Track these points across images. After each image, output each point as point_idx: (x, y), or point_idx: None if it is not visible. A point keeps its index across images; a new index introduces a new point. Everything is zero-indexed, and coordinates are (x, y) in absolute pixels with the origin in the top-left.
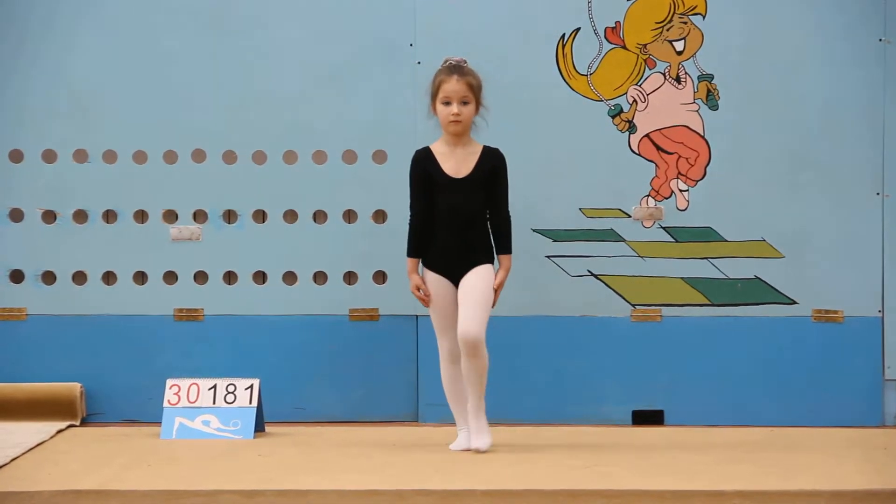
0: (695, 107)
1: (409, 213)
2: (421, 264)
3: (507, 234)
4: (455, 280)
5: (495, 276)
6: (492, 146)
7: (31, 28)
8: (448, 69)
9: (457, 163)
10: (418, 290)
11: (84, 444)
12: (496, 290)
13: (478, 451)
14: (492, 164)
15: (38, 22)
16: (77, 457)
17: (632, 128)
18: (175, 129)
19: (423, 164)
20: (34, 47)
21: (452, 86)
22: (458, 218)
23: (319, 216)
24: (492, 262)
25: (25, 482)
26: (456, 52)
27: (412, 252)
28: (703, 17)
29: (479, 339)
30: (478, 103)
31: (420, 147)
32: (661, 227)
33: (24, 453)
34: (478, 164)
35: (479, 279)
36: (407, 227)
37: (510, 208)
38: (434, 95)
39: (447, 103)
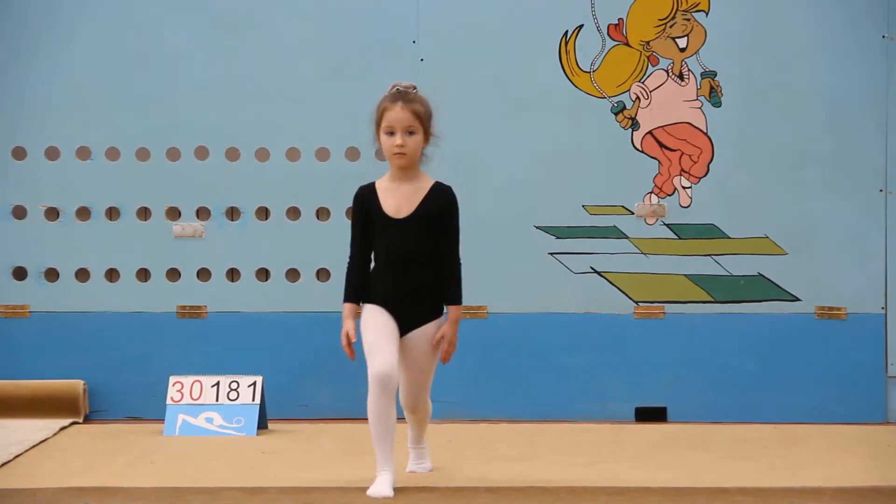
0: (698, 104)
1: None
2: (364, 304)
3: (456, 280)
4: (399, 324)
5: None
6: (444, 183)
7: (31, 23)
8: (392, 96)
9: (399, 201)
10: (347, 339)
11: (87, 441)
12: (444, 350)
13: (414, 473)
14: (438, 203)
15: (39, 17)
16: (80, 454)
17: (635, 125)
18: (178, 126)
19: (365, 200)
20: (35, 43)
21: (396, 114)
22: (399, 263)
23: (322, 213)
24: (440, 314)
25: (28, 479)
26: (459, 49)
27: (348, 296)
28: (706, 14)
29: (423, 404)
30: (427, 133)
31: (366, 183)
32: (665, 224)
33: (26, 450)
34: (422, 203)
35: (425, 348)
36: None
37: (513, 197)
38: (377, 124)
39: (391, 133)
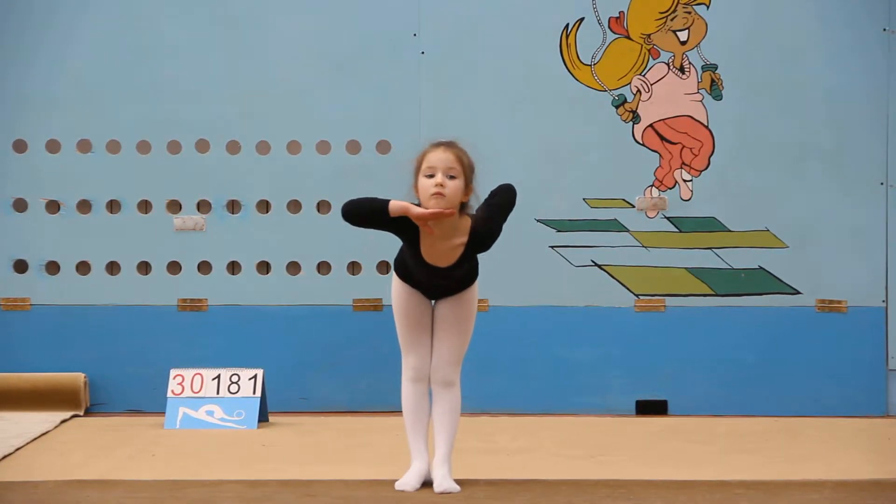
0: (699, 97)
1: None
2: (394, 273)
3: (489, 219)
4: (430, 295)
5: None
6: (474, 211)
7: (32, 17)
8: (434, 143)
9: (438, 253)
10: (425, 212)
11: (88, 434)
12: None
13: (445, 493)
14: (474, 241)
15: (40, 11)
16: (80, 447)
17: (636, 118)
18: (179, 119)
19: (410, 226)
20: (36, 36)
21: (437, 155)
22: (434, 271)
23: (323, 206)
24: (475, 279)
25: (29, 472)
26: (459, 42)
27: (385, 202)
28: (707, 7)
29: (454, 379)
30: (468, 183)
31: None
32: (665, 218)
33: (27, 443)
34: (465, 252)
35: (462, 311)
36: None
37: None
38: (417, 170)
39: (430, 176)
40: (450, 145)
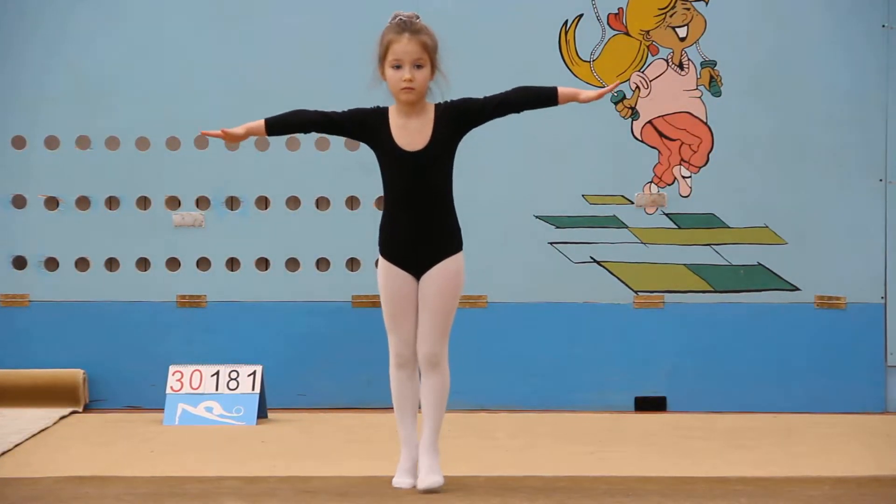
0: (697, 93)
1: None
2: (379, 255)
3: (526, 89)
4: (416, 273)
5: (578, 94)
6: (440, 102)
7: (28, 12)
8: (397, 27)
9: (411, 134)
10: (223, 131)
11: (87, 430)
12: (598, 96)
13: (428, 491)
14: (450, 117)
15: (36, 6)
16: (79, 443)
17: (634, 114)
18: (177, 115)
19: (374, 118)
20: (30, 31)
21: (403, 46)
22: (417, 199)
23: (322, 203)
24: (460, 248)
25: (28, 468)
26: (458, 38)
27: (269, 118)
28: (706, 3)
29: (440, 357)
30: (433, 66)
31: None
32: (664, 214)
33: (26, 439)
34: (434, 130)
35: (445, 285)
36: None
37: (513, 187)
38: (382, 58)
39: (398, 67)
40: (414, 31)
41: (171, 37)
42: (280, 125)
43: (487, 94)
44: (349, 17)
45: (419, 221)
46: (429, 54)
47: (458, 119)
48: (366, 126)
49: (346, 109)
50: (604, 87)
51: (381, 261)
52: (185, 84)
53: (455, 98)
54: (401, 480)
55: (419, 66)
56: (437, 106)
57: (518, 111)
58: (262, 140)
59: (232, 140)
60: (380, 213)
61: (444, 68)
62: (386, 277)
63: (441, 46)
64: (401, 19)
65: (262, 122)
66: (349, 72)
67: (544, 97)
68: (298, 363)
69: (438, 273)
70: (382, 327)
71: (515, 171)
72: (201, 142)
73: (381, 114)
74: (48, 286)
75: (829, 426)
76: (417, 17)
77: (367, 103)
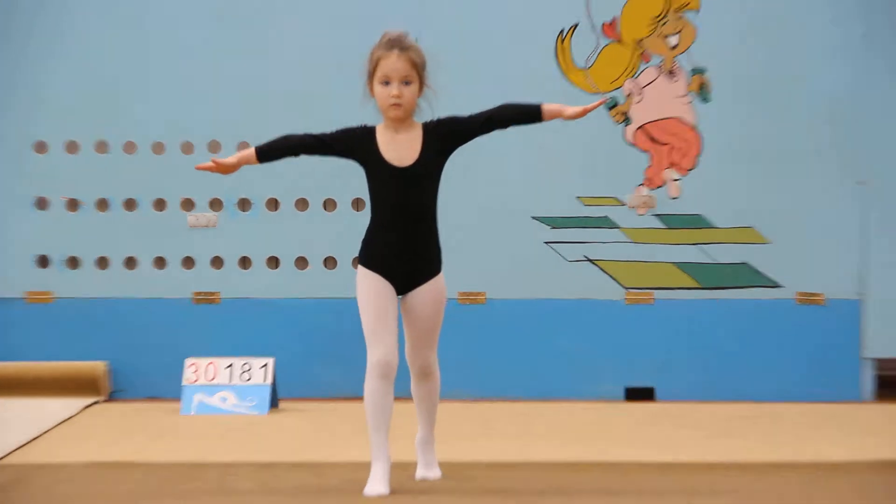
0: (688, 99)
1: None
2: (360, 266)
3: (512, 106)
4: (398, 287)
5: (563, 110)
6: (428, 120)
7: (48, 21)
8: (387, 44)
9: (400, 150)
10: (214, 162)
11: (109, 419)
12: (582, 113)
13: (427, 479)
14: (438, 134)
15: (55, 14)
16: (102, 431)
17: (627, 120)
18: (191, 121)
19: (360, 138)
20: (51, 40)
21: (392, 63)
22: (404, 215)
23: (329, 204)
24: (440, 269)
25: (54, 455)
26: (460, 48)
27: (260, 147)
28: (697, 13)
29: (434, 365)
30: (422, 83)
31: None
32: (654, 215)
33: (52, 428)
34: (424, 147)
35: (433, 301)
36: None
37: (510, 189)
38: (371, 75)
39: (386, 83)
40: (403, 49)
41: (184, 45)
42: (271, 152)
43: (485, 107)
44: (353, 24)
45: (406, 237)
46: (417, 71)
47: (446, 136)
48: (354, 144)
49: (333, 130)
50: (598, 94)
51: (363, 270)
52: (198, 90)
53: (442, 116)
54: (375, 488)
55: (407, 83)
56: (426, 124)
57: (504, 127)
58: None
59: (224, 171)
60: None
61: (434, 84)
62: (369, 287)
63: (441, 59)
64: (390, 37)
65: (252, 151)
66: (353, 78)
67: (529, 114)
68: (308, 356)
69: (428, 292)
70: None
71: (513, 175)
72: (214, 146)
73: (368, 132)
74: (70, 284)
75: (807, 414)
76: (407, 35)
77: (372, 108)
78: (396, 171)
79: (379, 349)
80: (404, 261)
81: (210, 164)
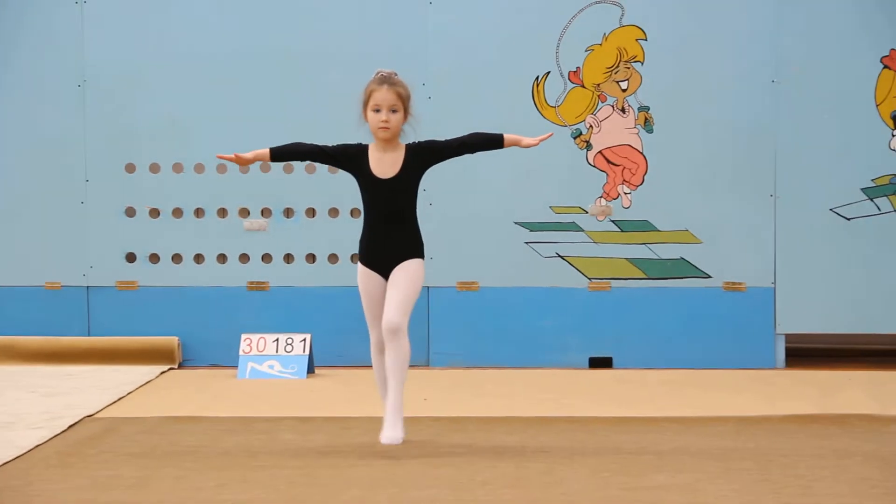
0: (636, 130)
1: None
2: (358, 262)
3: (480, 134)
4: (385, 274)
5: (520, 140)
6: (411, 142)
7: (134, 72)
8: (378, 80)
9: (385, 165)
10: (236, 156)
11: (180, 382)
12: (535, 143)
13: (390, 444)
14: (415, 153)
15: (138, 66)
16: (175, 392)
17: (588, 146)
18: (249, 146)
19: (357, 153)
20: (138, 85)
21: (382, 94)
22: (385, 218)
23: (355, 212)
24: (421, 256)
25: (137, 410)
26: (458, 89)
27: (273, 148)
28: (642, 64)
29: (400, 326)
30: (406, 112)
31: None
32: (611, 221)
33: (136, 389)
34: (405, 163)
35: (406, 273)
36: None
37: (499, 199)
38: (365, 104)
39: (377, 111)
40: (392, 84)
41: (244, 83)
42: (282, 154)
43: (460, 133)
44: (371, 69)
45: (389, 233)
46: (402, 102)
47: (424, 156)
48: (351, 158)
49: (336, 144)
50: (566, 127)
51: (360, 267)
52: (253, 121)
53: (422, 140)
54: (388, 436)
55: (394, 111)
56: (408, 145)
57: (473, 152)
58: (310, 166)
59: (242, 164)
60: None
61: (416, 113)
62: (361, 281)
63: (436, 94)
64: (382, 74)
65: (267, 150)
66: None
67: (493, 142)
68: (338, 332)
69: (402, 266)
70: None
71: (500, 188)
72: (265, 167)
73: (362, 149)
74: (152, 275)
75: (733, 379)
76: (395, 74)
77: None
78: (381, 182)
79: (374, 332)
80: (387, 254)
81: (231, 156)
